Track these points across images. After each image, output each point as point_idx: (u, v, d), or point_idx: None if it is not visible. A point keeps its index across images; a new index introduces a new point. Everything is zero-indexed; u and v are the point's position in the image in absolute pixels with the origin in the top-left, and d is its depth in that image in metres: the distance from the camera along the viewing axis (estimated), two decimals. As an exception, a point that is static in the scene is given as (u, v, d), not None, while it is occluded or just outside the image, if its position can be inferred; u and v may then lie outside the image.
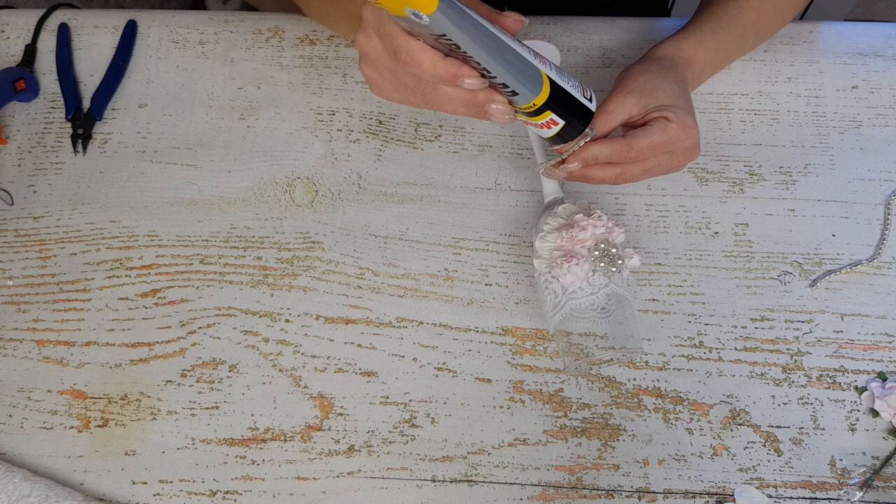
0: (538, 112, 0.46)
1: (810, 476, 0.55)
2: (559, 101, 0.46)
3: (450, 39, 0.41)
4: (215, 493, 0.55)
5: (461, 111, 0.46)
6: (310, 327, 0.60)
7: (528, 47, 0.45)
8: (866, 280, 0.61)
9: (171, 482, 0.55)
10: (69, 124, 0.67)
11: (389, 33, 0.44)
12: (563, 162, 0.53)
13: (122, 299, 0.61)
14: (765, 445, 0.56)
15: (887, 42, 0.70)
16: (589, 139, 0.51)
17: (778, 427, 0.56)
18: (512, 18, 0.45)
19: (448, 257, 0.62)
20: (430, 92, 0.46)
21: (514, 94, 0.44)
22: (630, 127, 0.54)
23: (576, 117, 0.48)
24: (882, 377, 0.58)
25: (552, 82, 0.45)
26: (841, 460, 0.55)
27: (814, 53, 0.70)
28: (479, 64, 0.42)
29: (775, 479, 0.55)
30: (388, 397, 0.58)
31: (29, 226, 0.64)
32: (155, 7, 0.73)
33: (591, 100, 0.49)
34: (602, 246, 0.54)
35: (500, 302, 0.61)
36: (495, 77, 0.43)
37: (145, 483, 0.55)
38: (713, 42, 0.59)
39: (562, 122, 0.47)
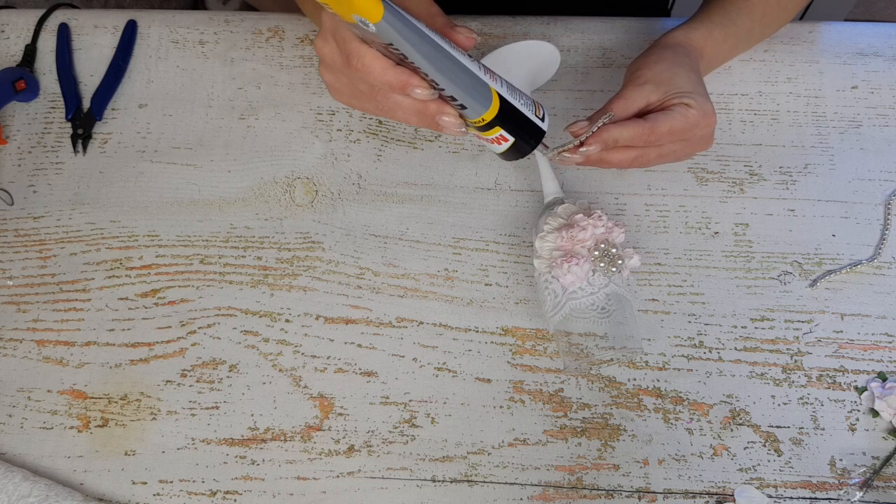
0: (488, 127, 0.47)
1: (810, 476, 0.55)
2: (509, 117, 0.46)
3: (397, 49, 0.41)
4: (215, 493, 0.55)
5: (413, 121, 0.46)
6: (310, 327, 0.60)
7: (479, 63, 0.45)
8: (866, 280, 0.61)
9: (171, 482, 0.55)
10: (69, 124, 0.67)
11: (344, 39, 0.44)
12: (581, 145, 0.51)
13: (122, 299, 0.61)
14: (765, 445, 0.56)
15: (887, 42, 0.70)
16: (608, 120, 0.50)
17: (778, 427, 0.57)
18: (463, 35, 0.45)
19: (448, 257, 0.62)
20: (383, 99, 0.46)
21: (463, 107, 0.45)
22: (647, 114, 0.53)
23: (526, 135, 0.48)
24: (882, 377, 0.58)
25: (502, 99, 0.46)
26: (841, 460, 0.55)
27: (814, 53, 0.70)
28: (426, 75, 0.43)
29: (775, 479, 0.55)
30: (388, 397, 0.58)
31: (29, 226, 0.64)
32: (155, 7, 0.73)
33: (542, 118, 0.49)
34: (602, 246, 0.54)
35: (500, 302, 0.61)
36: (443, 89, 0.44)
37: (145, 483, 0.55)
38: (721, 34, 0.59)
39: (511, 140, 0.47)
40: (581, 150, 0.52)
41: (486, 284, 0.61)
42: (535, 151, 0.61)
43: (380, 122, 0.67)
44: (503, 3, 0.74)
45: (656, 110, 0.53)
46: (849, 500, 0.54)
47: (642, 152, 0.53)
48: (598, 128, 0.51)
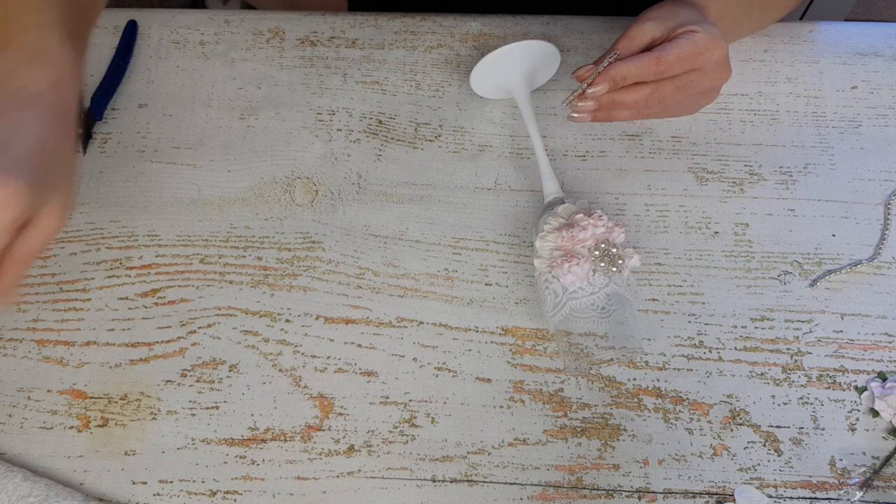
0: None
1: (810, 476, 0.55)
2: None
3: None
4: (215, 493, 0.55)
5: None
6: (310, 327, 0.60)
7: None
8: (866, 280, 0.61)
9: (171, 482, 0.55)
10: (69, 124, 0.67)
11: None
12: (590, 86, 0.50)
13: (122, 299, 0.61)
14: (765, 445, 0.56)
15: (887, 42, 0.70)
16: (614, 59, 0.49)
17: (778, 427, 0.57)
18: None
19: (448, 257, 0.62)
20: None
21: None
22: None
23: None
24: (882, 377, 0.58)
25: None
26: (841, 460, 0.55)
27: (814, 53, 0.70)
28: None
29: (775, 479, 0.55)
30: (388, 397, 0.58)
31: (29, 226, 0.64)
32: (155, 6, 0.73)
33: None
34: (602, 246, 0.54)
35: (500, 302, 0.61)
36: None
37: (145, 483, 0.55)
38: (723, 4, 0.58)
39: None
40: (589, 91, 0.50)
41: (486, 284, 0.61)
42: (535, 149, 0.61)
43: (380, 121, 0.67)
44: (503, 3, 0.74)
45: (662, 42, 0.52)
46: (849, 500, 0.54)
47: (656, 87, 0.51)
48: (605, 67, 0.49)
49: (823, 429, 0.56)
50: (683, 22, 0.52)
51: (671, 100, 0.52)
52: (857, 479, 0.55)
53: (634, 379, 0.58)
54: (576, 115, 0.54)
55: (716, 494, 0.55)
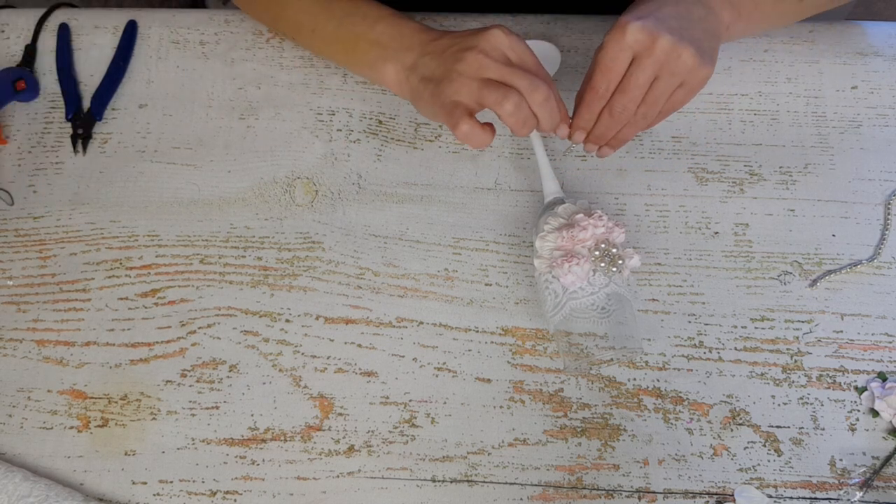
0: None
1: (810, 476, 0.55)
2: None
3: None
4: (215, 493, 0.55)
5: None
6: (310, 327, 0.60)
7: None
8: (866, 280, 0.61)
9: (171, 482, 0.55)
10: (69, 124, 0.67)
11: None
12: (573, 141, 0.56)
13: (122, 299, 0.61)
14: (765, 445, 0.56)
15: (887, 42, 0.70)
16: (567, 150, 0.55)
17: (778, 427, 0.57)
18: None
19: (448, 257, 0.62)
20: None
21: None
22: None
23: None
24: (882, 377, 0.58)
25: None
26: (841, 460, 0.55)
27: (813, 53, 0.70)
28: None
29: (775, 479, 0.55)
30: (388, 397, 0.58)
31: (29, 226, 0.64)
32: (155, 6, 0.73)
33: None
34: (602, 246, 0.54)
35: (500, 302, 0.61)
36: None
37: (145, 483, 0.55)
38: None
39: None
40: (579, 146, 0.55)
41: (486, 284, 0.61)
42: (535, 149, 0.61)
43: (380, 121, 0.67)
44: (503, 2, 0.74)
45: None
46: (849, 500, 0.54)
47: (609, 107, 0.53)
48: (571, 123, 0.55)
49: (823, 429, 0.56)
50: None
51: (635, 105, 0.53)
52: (857, 479, 0.55)
53: (634, 379, 0.58)
54: (595, 154, 0.59)
55: (716, 494, 0.55)
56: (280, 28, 0.67)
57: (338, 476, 0.55)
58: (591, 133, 0.56)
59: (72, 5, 0.73)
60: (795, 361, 0.58)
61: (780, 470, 0.55)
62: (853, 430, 0.56)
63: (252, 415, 0.57)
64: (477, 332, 0.60)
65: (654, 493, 0.55)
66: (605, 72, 0.52)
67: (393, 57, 0.57)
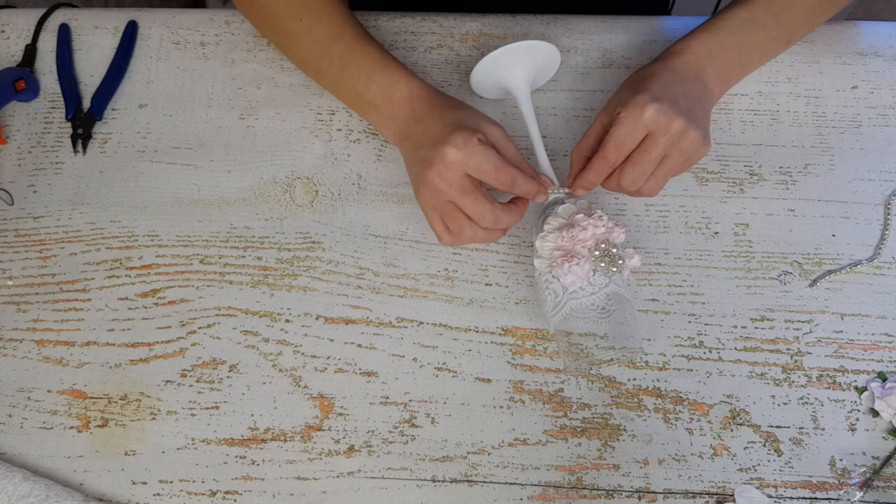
0: None
1: (810, 476, 0.55)
2: None
3: None
4: (215, 493, 0.55)
5: None
6: (310, 327, 0.60)
7: None
8: (866, 280, 0.61)
9: (171, 482, 0.55)
10: (69, 124, 0.67)
11: None
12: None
13: (122, 299, 0.61)
14: (765, 445, 0.56)
15: (887, 42, 0.70)
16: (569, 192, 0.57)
17: (778, 427, 0.57)
18: None
19: (448, 257, 0.62)
20: None
21: None
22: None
23: None
24: (882, 377, 0.58)
25: None
26: (841, 460, 0.55)
27: (813, 53, 0.70)
28: None
29: (775, 479, 0.55)
30: (388, 397, 0.58)
31: (29, 226, 0.64)
32: (155, 6, 0.73)
33: None
34: (602, 246, 0.54)
35: (500, 302, 0.61)
36: None
37: (145, 483, 0.55)
38: (708, 32, 0.60)
39: None
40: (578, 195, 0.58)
41: (486, 284, 0.61)
42: (535, 149, 0.61)
43: (380, 122, 0.67)
44: (503, 2, 0.74)
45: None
46: (849, 500, 0.54)
47: (619, 177, 0.55)
48: (576, 179, 0.57)
49: (823, 429, 0.56)
50: (620, 102, 0.55)
51: (642, 179, 0.55)
52: (857, 479, 0.55)
53: (634, 379, 0.58)
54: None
55: (716, 494, 0.55)
56: (288, 58, 0.68)
57: (338, 476, 0.55)
58: (586, 185, 0.58)
59: (72, 5, 0.73)
60: (795, 361, 0.58)
61: (780, 470, 0.55)
62: (853, 430, 0.56)
63: (252, 415, 0.57)
64: (477, 332, 0.60)
65: (654, 493, 0.55)
66: (619, 146, 0.54)
67: (386, 124, 0.60)
